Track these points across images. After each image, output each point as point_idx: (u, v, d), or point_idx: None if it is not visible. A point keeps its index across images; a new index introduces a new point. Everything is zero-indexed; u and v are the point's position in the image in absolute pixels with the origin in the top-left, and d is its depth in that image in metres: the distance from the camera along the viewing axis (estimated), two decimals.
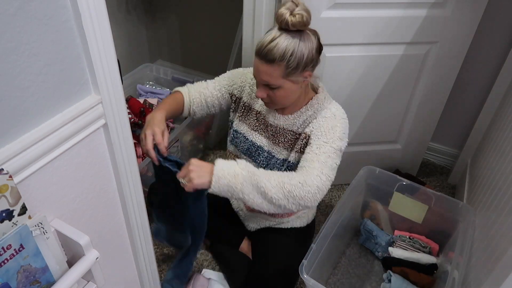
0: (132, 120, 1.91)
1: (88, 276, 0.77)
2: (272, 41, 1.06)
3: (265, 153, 1.31)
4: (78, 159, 0.77)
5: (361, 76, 1.60)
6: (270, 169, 1.30)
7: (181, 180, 1.06)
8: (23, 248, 0.63)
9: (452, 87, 1.69)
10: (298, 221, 1.45)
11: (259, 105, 1.31)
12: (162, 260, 1.61)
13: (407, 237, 1.62)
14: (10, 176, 0.59)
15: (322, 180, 1.09)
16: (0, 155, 0.61)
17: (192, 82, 2.22)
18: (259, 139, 1.32)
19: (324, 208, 1.88)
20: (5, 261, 0.61)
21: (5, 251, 0.61)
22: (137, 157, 1.85)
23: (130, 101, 1.92)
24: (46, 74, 0.65)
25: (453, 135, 2.01)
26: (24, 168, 0.65)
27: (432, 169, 2.10)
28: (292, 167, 1.26)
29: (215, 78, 1.38)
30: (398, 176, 1.58)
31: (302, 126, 1.23)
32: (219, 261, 1.59)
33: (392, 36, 1.50)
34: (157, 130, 1.13)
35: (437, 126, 1.85)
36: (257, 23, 1.47)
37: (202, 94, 1.34)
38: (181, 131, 1.87)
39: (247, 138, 1.34)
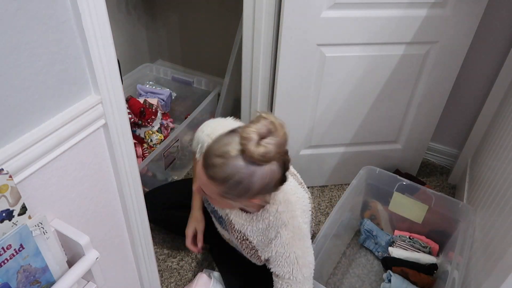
0: (132, 120, 1.91)
1: (88, 276, 0.77)
2: (221, 156, 0.86)
3: (240, 235, 1.21)
4: (78, 159, 0.77)
5: (361, 76, 1.60)
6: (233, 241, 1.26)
7: None
8: (23, 248, 0.63)
9: (452, 87, 1.69)
10: None
11: None
12: (162, 260, 1.62)
13: (407, 237, 1.62)
14: (10, 176, 0.59)
15: None
16: (0, 155, 0.61)
17: (192, 82, 2.24)
18: (219, 209, 1.22)
19: (324, 208, 1.88)
20: (5, 261, 0.61)
21: (5, 251, 0.61)
22: (137, 157, 1.85)
23: (130, 101, 1.92)
24: (46, 74, 0.65)
25: (453, 135, 2.01)
26: (24, 168, 0.65)
27: (432, 169, 2.10)
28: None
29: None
30: (398, 176, 1.58)
31: (253, 236, 1.13)
32: (218, 264, 1.58)
33: (392, 36, 1.50)
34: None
35: (437, 126, 1.85)
36: (257, 23, 1.47)
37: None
38: (181, 131, 1.87)
39: (209, 202, 1.24)
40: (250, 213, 1.10)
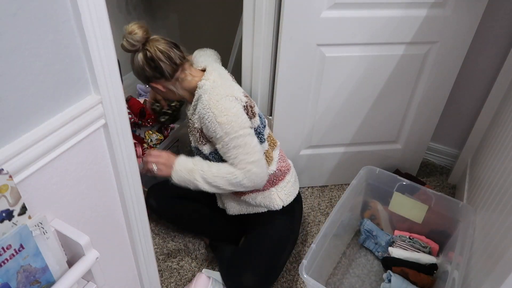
0: (132, 120, 1.91)
1: (88, 276, 0.77)
2: None
3: (198, 152, 1.42)
4: (78, 159, 0.77)
5: (361, 76, 1.60)
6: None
7: (153, 165, 1.31)
8: (23, 248, 0.63)
9: (452, 87, 1.69)
10: (270, 203, 1.43)
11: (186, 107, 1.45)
12: (162, 260, 1.62)
13: (407, 237, 1.62)
14: (10, 176, 0.59)
15: (252, 169, 1.25)
16: (0, 155, 0.61)
17: None
18: (191, 140, 1.44)
19: (324, 208, 1.88)
20: (5, 261, 0.61)
21: (5, 251, 0.61)
22: (137, 157, 1.85)
23: (130, 101, 1.92)
24: (46, 74, 0.65)
25: (453, 135, 2.01)
26: (24, 168, 0.65)
27: (432, 169, 2.10)
28: (220, 157, 1.35)
29: None
30: (398, 176, 1.58)
31: (194, 115, 1.35)
32: (218, 257, 1.59)
33: (392, 36, 1.50)
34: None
35: (437, 126, 1.85)
36: (257, 23, 1.47)
37: None
38: (181, 131, 1.87)
39: (191, 144, 1.46)
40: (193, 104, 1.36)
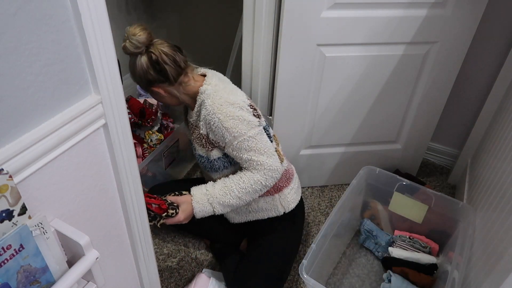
0: (132, 120, 1.91)
1: (88, 276, 0.77)
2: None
3: (204, 159, 1.39)
4: (78, 159, 0.77)
5: (361, 76, 1.60)
6: (215, 171, 1.39)
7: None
8: (23, 248, 0.63)
9: (452, 87, 1.69)
10: (272, 210, 1.43)
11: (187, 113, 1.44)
12: (162, 260, 1.62)
13: (407, 237, 1.62)
14: (10, 176, 0.59)
15: (266, 168, 1.25)
16: (0, 155, 0.61)
17: None
18: (195, 147, 1.41)
19: (324, 208, 1.88)
20: (5, 261, 0.61)
21: (5, 251, 0.61)
22: (137, 157, 1.85)
23: (130, 101, 1.92)
24: (46, 74, 0.65)
25: (453, 135, 2.01)
26: (24, 168, 0.65)
27: (432, 169, 2.10)
28: (228, 161, 1.35)
29: None
30: (398, 176, 1.58)
31: (199, 122, 1.33)
32: (218, 259, 1.59)
33: (392, 36, 1.50)
34: None
35: (437, 126, 1.85)
36: (257, 23, 1.47)
37: None
38: (181, 131, 1.87)
39: (195, 151, 1.43)
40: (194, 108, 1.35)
